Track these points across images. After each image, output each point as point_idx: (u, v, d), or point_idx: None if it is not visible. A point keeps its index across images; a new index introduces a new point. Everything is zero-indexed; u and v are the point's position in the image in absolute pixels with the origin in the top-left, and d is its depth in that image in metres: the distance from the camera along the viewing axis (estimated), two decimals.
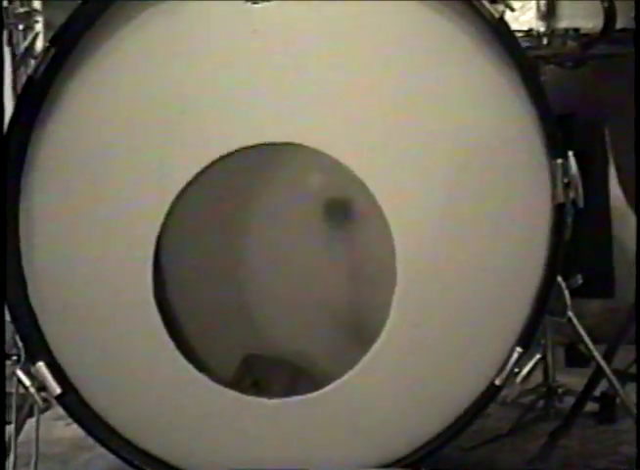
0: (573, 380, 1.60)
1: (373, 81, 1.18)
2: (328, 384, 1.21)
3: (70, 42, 1.16)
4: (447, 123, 1.19)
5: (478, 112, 1.19)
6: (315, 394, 1.21)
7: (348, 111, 1.19)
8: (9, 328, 1.22)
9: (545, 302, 1.20)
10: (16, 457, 1.30)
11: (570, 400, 1.53)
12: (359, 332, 1.34)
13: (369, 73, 1.18)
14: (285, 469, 1.19)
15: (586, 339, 1.42)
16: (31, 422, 1.34)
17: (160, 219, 1.18)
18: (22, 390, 1.25)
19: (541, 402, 1.59)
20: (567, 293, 1.23)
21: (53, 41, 1.16)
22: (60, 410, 1.39)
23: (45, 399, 1.24)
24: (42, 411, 1.35)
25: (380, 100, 1.19)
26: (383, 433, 1.22)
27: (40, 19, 1.46)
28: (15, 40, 1.44)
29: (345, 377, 1.20)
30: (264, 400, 1.21)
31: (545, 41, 1.44)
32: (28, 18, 1.44)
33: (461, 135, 1.19)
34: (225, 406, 1.21)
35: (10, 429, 1.33)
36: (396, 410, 1.22)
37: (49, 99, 1.17)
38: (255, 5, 1.17)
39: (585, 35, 1.43)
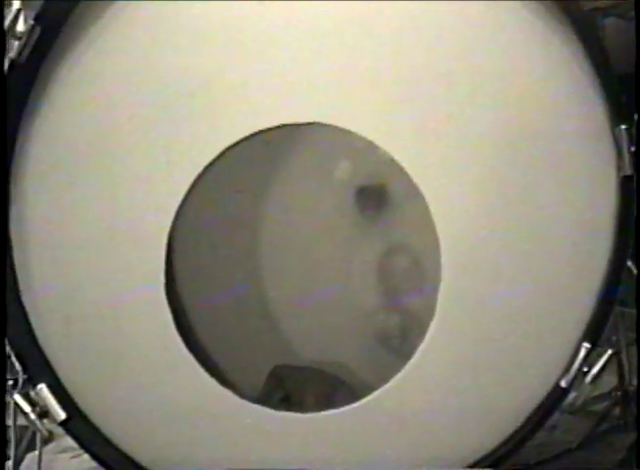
0: None
1: (407, 48, 1.21)
2: (368, 394, 1.24)
3: (59, 19, 1.18)
4: (492, 92, 1.21)
5: (526, 76, 1.21)
6: (354, 405, 1.24)
7: (382, 84, 1.21)
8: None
9: (614, 290, 1.23)
10: None
11: None
12: (401, 335, 1.38)
13: (402, 39, 1.20)
14: None
15: None
16: (32, 457, 1.40)
17: (171, 216, 1.21)
18: (20, 420, 1.28)
19: (617, 410, 1.61)
20: None
21: (38, 18, 1.18)
22: (63, 442, 1.45)
23: (49, 432, 1.27)
24: (44, 443, 1.40)
25: (416, 68, 1.21)
26: (431, 447, 1.25)
27: None
28: None
29: (388, 386, 1.23)
30: (297, 415, 1.25)
31: None
32: None
33: (508, 104, 1.22)
34: (254, 424, 1.24)
35: (8, 465, 1.37)
36: (446, 422, 1.25)
37: (37, 86, 1.20)
38: None
39: None
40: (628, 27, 1.63)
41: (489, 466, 1.25)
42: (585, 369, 1.24)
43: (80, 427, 1.26)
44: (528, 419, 1.25)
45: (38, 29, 1.19)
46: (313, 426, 1.25)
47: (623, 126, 1.22)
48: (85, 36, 1.20)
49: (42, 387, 1.24)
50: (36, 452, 1.38)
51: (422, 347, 1.23)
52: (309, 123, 1.23)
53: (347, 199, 1.41)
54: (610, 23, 1.57)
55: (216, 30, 1.21)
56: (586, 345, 1.24)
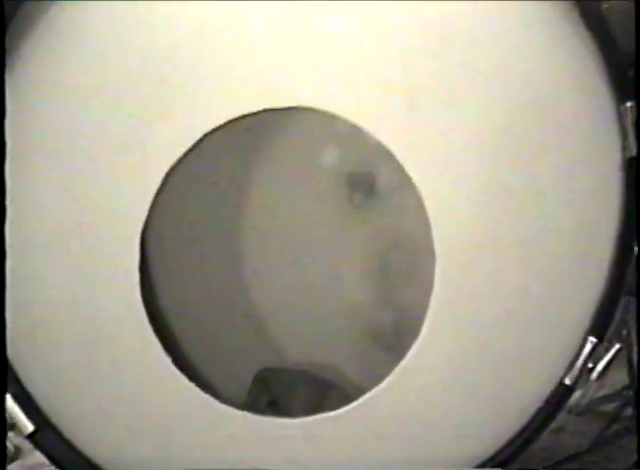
0: None
1: (396, 27, 1.20)
2: (360, 396, 1.24)
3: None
4: (488, 71, 1.21)
5: (525, 52, 1.21)
6: (345, 409, 1.24)
7: (369, 66, 1.20)
8: None
9: (621, 279, 1.22)
10: None
11: None
12: (394, 333, 1.39)
13: (391, 18, 1.20)
14: None
15: None
16: None
17: (145, 210, 1.21)
18: None
19: (628, 410, 1.63)
20: None
21: None
22: (30, 459, 1.44)
23: (16, 448, 1.28)
24: (10, 460, 1.41)
25: (405, 49, 1.20)
26: (427, 451, 1.25)
27: None
28: None
29: (381, 387, 1.23)
30: (285, 421, 1.25)
31: None
32: None
33: (506, 84, 1.21)
34: (239, 432, 1.24)
35: None
36: (443, 424, 1.25)
37: None
38: None
39: None
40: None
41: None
42: (591, 365, 1.23)
43: (50, 440, 1.25)
44: (531, 420, 1.25)
45: None
46: (302, 431, 1.25)
47: (629, 103, 1.22)
48: (48, 16, 1.19)
49: (7, 397, 1.23)
50: None
51: (416, 345, 1.23)
52: (292, 108, 1.22)
53: (335, 188, 1.42)
54: None
55: (192, 11, 1.20)
56: (592, 339, 1.23)
